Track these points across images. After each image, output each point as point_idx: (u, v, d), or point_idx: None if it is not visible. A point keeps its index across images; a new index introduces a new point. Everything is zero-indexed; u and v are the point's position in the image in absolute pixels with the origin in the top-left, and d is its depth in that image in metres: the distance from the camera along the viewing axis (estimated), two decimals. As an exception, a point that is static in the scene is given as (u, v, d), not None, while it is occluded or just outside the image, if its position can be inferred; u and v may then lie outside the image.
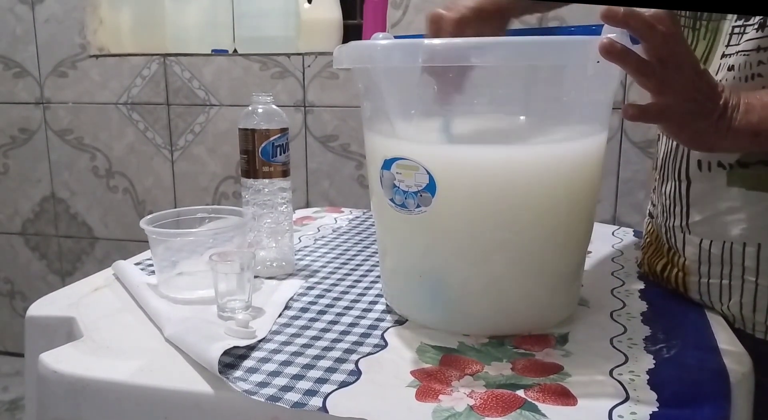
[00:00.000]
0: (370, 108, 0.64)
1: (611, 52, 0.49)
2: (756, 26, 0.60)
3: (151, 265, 0.77)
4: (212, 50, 1.76)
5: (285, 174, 0.77)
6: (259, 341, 0.59)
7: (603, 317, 0.66)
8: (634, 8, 0.48)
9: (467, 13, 0.65)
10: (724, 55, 0.63)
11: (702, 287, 0.67)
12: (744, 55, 0.61)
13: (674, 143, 0.69)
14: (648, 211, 0.80)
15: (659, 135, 0.74)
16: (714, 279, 0.66)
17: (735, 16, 0.63)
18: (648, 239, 0.78)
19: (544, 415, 0.47)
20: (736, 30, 0.63)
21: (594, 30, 0.54)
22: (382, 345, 0.59)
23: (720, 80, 0.61)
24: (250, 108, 0.75)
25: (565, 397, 0.50)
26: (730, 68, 0.62)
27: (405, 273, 0.65)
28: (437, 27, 0.66)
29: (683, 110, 0.52)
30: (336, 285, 0.76)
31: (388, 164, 0.59)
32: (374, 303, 0.70)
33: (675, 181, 0.69)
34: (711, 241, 0.65)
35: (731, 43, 0.63)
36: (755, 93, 0.54)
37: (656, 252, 0.75)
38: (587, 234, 0.66)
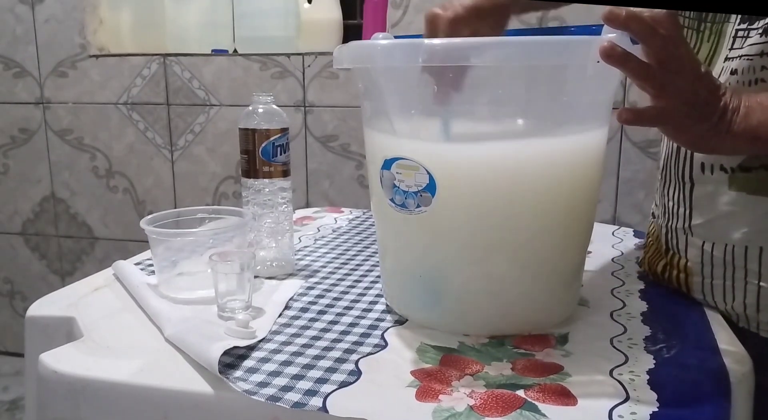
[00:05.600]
0: (371, 108, 0.64)
1: (612, 56, 0.49)
2: (760, 31, 0.60)
3: (151, 265, 0.77)
4: (212, 50, 1.76)
5: (285, 174, 0.77)
6: (259, 341, 0.59)
7: (603, 317, 0.66)
8: (636, 10, 0.48)
9: (462, 12, 0.65)
10: (727, 59, 0.63)
11: (705, 288, 0.67)
12: (747, 59, 0.61)
13: (676, 145, 0.69)
14: (651, 212, 0.80)
15: (662, 136, 0.74)
16: (717, 280, 0.66)
17: (738, 18, 0.63)
18: (650, 239, 0.78)
19: (544, 415, 0.47)
20: (740, 33, 0.62)
21: (594, 30, 0.54)
22: (382, 345, 0.59)
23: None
24: (250, 108, 0.75)
25: (565, 397, 0.50)
26: (733, 72, 0.62)
27: (405, 273, 0.65)
28: (433, 26, 0.66)
29: (682, 113, 0.52)
30: (336, 285, 0.76)
31: (388, 164, 0.59)
32: (374, 303, 0.70)
33: (678, 183, 0.69)
34: (713, 244, 0.65)
35: (734, 47, 0.63)
36: (756, 96, 0.53)
37: (656, 252, 0.75)
38: (587, 234, 0.66)
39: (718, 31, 0.65)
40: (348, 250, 0.91)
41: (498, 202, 0.58)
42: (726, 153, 0.62)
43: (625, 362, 0.55)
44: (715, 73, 0.64)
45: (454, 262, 0.61)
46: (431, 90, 0.57)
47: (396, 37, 0.65)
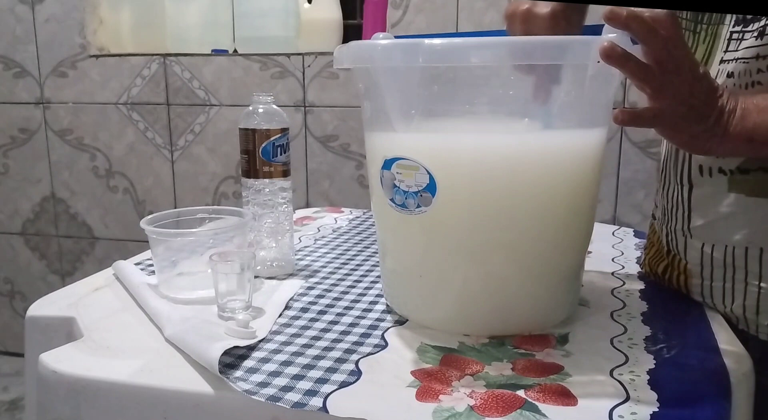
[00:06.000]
0: (371, 108, 0.64)
1: (611, 56, 0.49)
2: (756, 34, 0.60)
3: (151, 265, 0.77)
4: (212, 50, 1.76)
5: (285, 174, 0.77)
6: (260, 341, 0.59)
7: (603, 317, 0.66)
8: (636, 10, 0.48)
9: (558, 7, 0.62)
10: (722, 61, 0.63)
11: (705, 290, 0.67)
12: (743, 62, 0.60)
13: (675, 147, 0.69)
14: (652, 213, 0.80)
15: (662, 137, 0.74)
16: (717, 282, 0.66)
17: (732, 20, 0.63)
18: (650, 240, 0.78)
19: (544, 415, 0.47)
20: (735, 35, 0.62)
21: (594, 30, 0.54)
22: (383, 345, 0.59)
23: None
24: (250, 108, 0.75)
25: (565, 397, 0.50)
26: (730, 75, 0.61)
27: (405, 273, 0.65)
28: (527, 26, 0.63)
29: (679, 114, 0.52)
30: (336, 285, 0.76)
31: (388, 164, 0.59)
32: (374, 303, 0.70)
33: (677, 185, 0.69)
34: (713, 245, 0.65)
35: (729, 49, 0.63)
36: (753, 98, 0.53)
37: (657, 253, 0.75)
38: (587, 234, 0.66)
39: (713, 33, 0.65)
40: (348, 250, 0.91)
41: (498, 203, 0.58)
42: (722, 154, 0.62)
43: (626, 362, 0.55)
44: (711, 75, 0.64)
45: (454, 262, 0.61)
46: (433, 90, 0.57)
47: (396, 37, 0.65)
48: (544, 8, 0.63)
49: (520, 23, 0.64)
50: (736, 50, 0.62)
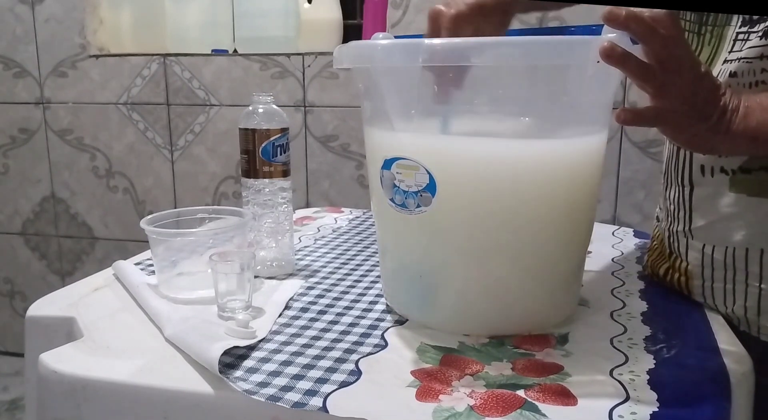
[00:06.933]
0: (370, 108, 0.64)
1: (611, 56, 0.49)
2: (760, 34, 0.60)
3: (151, 265, 0.77)
4: (212, 50, 1.76)
5: (285, 174, 0.77)
6: (260, 341, 0.59)
7: (603, 317, 0.66)
8: (636, 10, 0.48)
9: (465, 10, 0.65)
10: (726, 61, 0.63)
11: (706, 291, 0.67)
12: (747, 62, 0.60)
13: (676, 148, 0.69)
14: (656, 215, 0.80)
15: (665, 138, 0.74)
16: (717, 283, 0.66)
17: (739, 21, 0.63)
18: (654, 243, 0.78)
19: (544, 415, 0.47)
20: (740, 36, 0.62)
21: (594, 30, 0.54)
22: (383, 345, 0.59)
23: None
24: (250, 108, 0.75)
25: (565, 397, 0.50)
26: (733, 75, 0.61)
27: (405, 273, 0.65)
28: (435, 23, 0.65)
29: (681, 113, 0.52)
30: (336, 285, 0.76)
31: (388, 164, 0.59)
32: (374, 303, 0.70)
33: (678, 186, 0.69)
34: (714, 247, 0.65)
35: (734, 49, 0.63)
36: (756, 96, 0.53)
37: (659, 256, 0.75)
38: (587, 234, 0.66)
39: (719, 35, 0.65)
40: (348, 250, 0.91)
41: (498, 202, 0.58)
42: (725, 153, 0.62)
43: (625, 362, 0.55)
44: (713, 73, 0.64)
45: (454, 262, 0.61)
46: (432, 89, 0.57)
47: (396, 37, 0.65)
48: (451, 10, 0.64)
49: (429, 20, 0.66)
50: (740, 50, 0.61)
